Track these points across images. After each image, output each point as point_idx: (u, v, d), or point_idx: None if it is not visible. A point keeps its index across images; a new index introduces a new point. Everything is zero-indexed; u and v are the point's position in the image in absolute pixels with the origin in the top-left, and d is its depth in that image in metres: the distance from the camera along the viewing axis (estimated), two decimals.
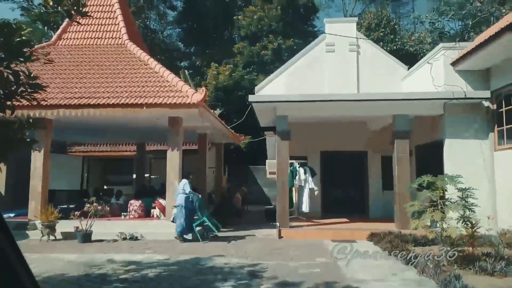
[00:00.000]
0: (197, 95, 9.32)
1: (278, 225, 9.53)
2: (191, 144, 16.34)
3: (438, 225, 6.40)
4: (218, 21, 26.81)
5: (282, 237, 9.35)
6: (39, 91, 3.41)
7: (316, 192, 11.80)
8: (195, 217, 9.24)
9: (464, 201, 6.17)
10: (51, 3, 3.27)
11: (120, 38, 12.70)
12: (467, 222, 6.32)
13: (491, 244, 7.23)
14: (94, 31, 12.92)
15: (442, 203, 6.31)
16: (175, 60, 29.93)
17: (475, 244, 6.65)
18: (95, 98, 9.48)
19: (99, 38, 12.79)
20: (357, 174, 12.92)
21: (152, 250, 7.83)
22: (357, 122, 11.90)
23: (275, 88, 12.48)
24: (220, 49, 25.99)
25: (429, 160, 10.38)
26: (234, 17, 24.73)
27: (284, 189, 9.86)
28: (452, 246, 6.34)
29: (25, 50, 3.01)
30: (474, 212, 6.27)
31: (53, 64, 9.13)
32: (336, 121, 11.41)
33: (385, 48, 22.21)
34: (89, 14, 3.73)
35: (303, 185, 11.40)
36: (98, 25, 13.11)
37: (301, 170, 11.43)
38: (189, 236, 9.12)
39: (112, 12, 13.43)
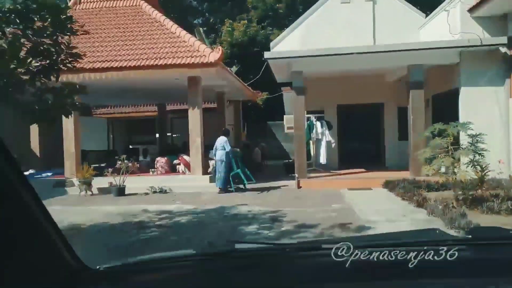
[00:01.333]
0: (214, 54, 9.59)
1: (296, 176, 10.06)
2: (210, 102, 16.76)
3: (450, 170, 6.76)
4: None
5: (300, 187, 9.91)
6: (77, 59, 3.82)
7: (333, 145, 12.18)
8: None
9: (474, 146, 6.46)
10: None
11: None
12: (477, 166, 6.65)
13: (501, 186, 7.57)
14: None
15: (452, 149, 6.62)
16: (188, 17, 29.66)
17: (484, 186, 7.01)
18: (117, 61, 9.88)
19: (114, 0, 12.95)
20: (373, 126, 13.18)
21: (180, 201, 8.54)
22: (373, 74, 11.93)
23: (290, 43, 12.52)
24: (233, 4, 25.57)
25: (446, 109, 10.48)
26: None
27: (301, 142, 10.28)
28: (462, 190, 6.74)
29: (69, 25, 3.38)
30: (483, 157, 6.58)
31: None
32: (351, 74, 11.51)
33: None
34: None
35: (320, 138, 11.78)
36: None
37: (318, 124, 11.77)
38: (230, 188, 9.85)
39: None
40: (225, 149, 9.69)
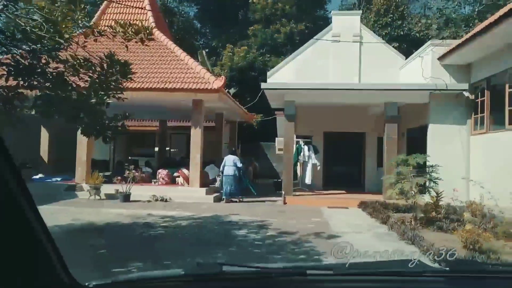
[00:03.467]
0: (218, 82, 10.98)
1: (283, 193, 11.34)
2: (208, 121, 18.09)
3: (409, 194, 8.09)
4: (234, 3, 27.98)
5: (286, 203, 11.17)
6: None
7: (318, 167, 13.53)
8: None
9: (429, 175, 7.83)
10: (129, 33, 4.92)
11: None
12: (430, 192, 7.99)
13: (454, 211, 8.90)
14: (124, 20, 14.49)
15: (412, 176, 7.98)
16: (191, 38, 31.34)
17: (439, 210, 8.34)
18: (133, 82, 11.19)
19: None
20: (355, 152, 14.58)
21: (181, 208, 9.74)
22: (357, 107, 13.40)
23: (285, 74, 14.02)
24: (235, 31, 27.30)
25: (419, 141, 11.93)
26: (250, 0, 25.90)
27: (289, 163, 11.61)
28: (421, 212, 8.06)
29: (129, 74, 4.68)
30: (437, 184, 7.94)
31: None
32: (338, 105, 12.95)
33: (393, 33, 23.32)
34: (153, 37, 5.37)
35: (307, 160, 13.13)
36: (128, 14, 14.69)
37: (306, 148, 13.14)
38: (235, 199, 11.55)
39: (140, 1, 14.96)
40: (235, 166, 11.46)
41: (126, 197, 10.60)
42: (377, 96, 11.20)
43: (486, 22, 8.84)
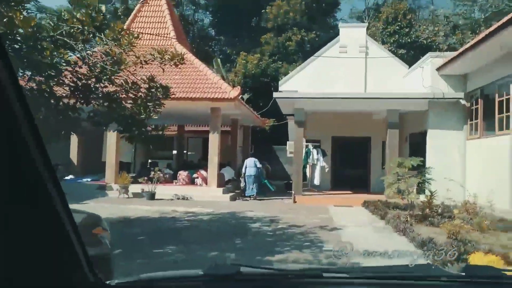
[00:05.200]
0: (234, 92, 12.13)
1: (293, 192, 12.40)
2: (224, 126, 19.26)
3: (405, 193, 9.06)
4: (248, 12, 29.22)
5: (295, 202, 12.22)
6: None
7: (326, 170, 14.53)
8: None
9: (421, 176, 8.80)
10: (165, 59, 6.07)
11: (169, 39, 15.55)
12: (424, 191, 8.96)
13: (447, 209, 9.82)
14: (148, 34, 15.80)
15: (407, 177, 8.96)
16: (206, 45, 32.70)
17: (432, 208, 9.28)
18: None
19: (152, 40, 15.67)
20: (361, 155, 15.55)
21: (201, 206, 10.89)
22: (363, 113, 14.38)
23: (296, 83, 15.09)
24: (249, 38, 28.51)
25: (420, 145, 12.86)
26: (262, 11, 27.08)
27: (299, 166, 12.67)
28: (417, 210, 9.03)
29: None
30: (430, 184, 8.91)
31: None
32: (345, 112, 13.96)
33: (400, 40, 24.17)
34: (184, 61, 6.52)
35: (315, 163, 14.15)
36: (151, 28, 15.97)
37: (314, 151, 14.17)
38: (251, 197, 13.23)
39: (162, 17, 16.23)
40: (256, 166, 13.12)
41: (151, 196, 11.80)
42: (380, 104, 12.17)
43: (478, 37, 9.77)
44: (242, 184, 13.81)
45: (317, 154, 14.18)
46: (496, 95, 9.94)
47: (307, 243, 6.74)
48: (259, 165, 13.48)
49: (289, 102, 12.76)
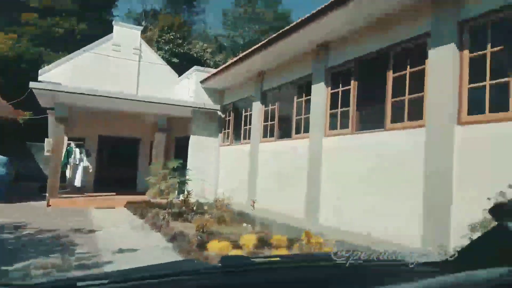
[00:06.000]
0: None
1: (47, 195, 11.18)
2: None
3: (164, 193, 9.72)
4: None
5: (50, 205, 11.06)
6: None
7: (90, 170, 13.81)
8: None
9: (178, 178, 9.67)
10: None
11: None
12: (184, 191, 9.88)
13: (201, 207, 11.13)
14: None
15: (169, 178, 9.65)
16: None
17: (188, 206, 10.32)
18: None
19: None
20: (131, 156, 15.58)
21: None
22: (134, 114, 14.46)
23: (60, 74, 13.72)
24: (8, 16, 23.84)
25: (185, 148, 13.99)
26: None
27: (57, 165, 11.53)
28: (175, 208, 9.79)
29: None
30: (187, 184, 9.89)
31: None
32: (115, 111, 13.65)
33: (174, 49, 25.62)
34: None
35: (78, 163, 13.23)
36: None
37: (77, 150, 13.24)
38: None
39: None
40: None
41: None
42: (149, 108, 12.59)
43: (231, 61, 11.60)
44: None
45: (80, 153, 13.33)
46: (243, 111, 12.03)
47: (57, 247, 6.30)
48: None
49: (50, 94, 11.47)
